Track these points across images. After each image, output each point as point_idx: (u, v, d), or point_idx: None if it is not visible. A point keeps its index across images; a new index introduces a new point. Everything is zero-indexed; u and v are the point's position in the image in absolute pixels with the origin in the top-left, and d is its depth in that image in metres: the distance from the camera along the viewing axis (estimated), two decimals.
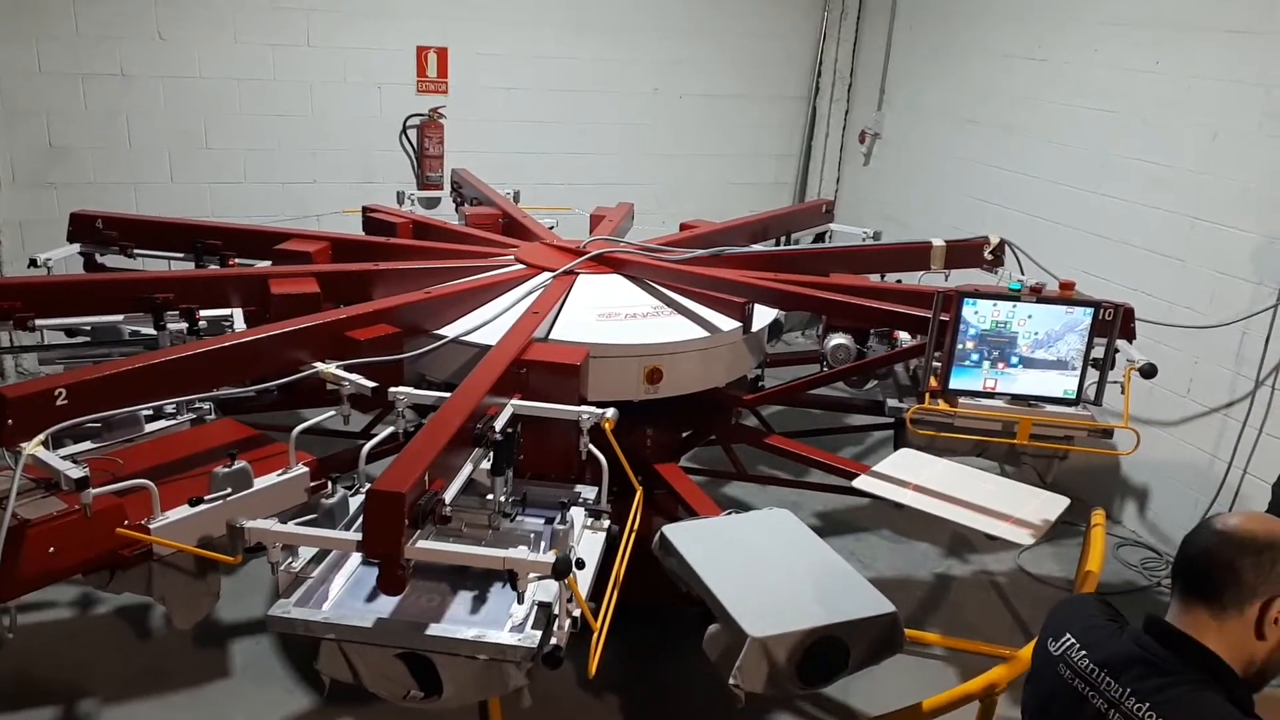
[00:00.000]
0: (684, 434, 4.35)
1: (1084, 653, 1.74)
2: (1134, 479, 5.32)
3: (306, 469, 3.00)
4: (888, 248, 5.19)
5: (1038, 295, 3.62)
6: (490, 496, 2.79)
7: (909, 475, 3.50)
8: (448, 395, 2.91)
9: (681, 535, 2.95)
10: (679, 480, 3.75)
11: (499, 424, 2.86)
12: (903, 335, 4.21)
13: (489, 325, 3.69)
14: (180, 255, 4.42)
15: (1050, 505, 3.34)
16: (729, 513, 3.29)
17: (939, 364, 3.67)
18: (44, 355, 3.67)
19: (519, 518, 2.93)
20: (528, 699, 2.51)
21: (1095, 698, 1.68)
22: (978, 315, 3.61)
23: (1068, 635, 1.78)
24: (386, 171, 6.76)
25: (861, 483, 3.56)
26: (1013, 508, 3.27)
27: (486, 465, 2.78)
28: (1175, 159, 4.99)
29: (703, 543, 2.91)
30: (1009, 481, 3.59)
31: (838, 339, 4.18)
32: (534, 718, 3.47)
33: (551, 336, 3.61)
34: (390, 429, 3.10)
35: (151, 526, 2.61)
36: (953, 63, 6.79)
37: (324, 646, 2.48)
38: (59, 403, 2.64)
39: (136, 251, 4.40)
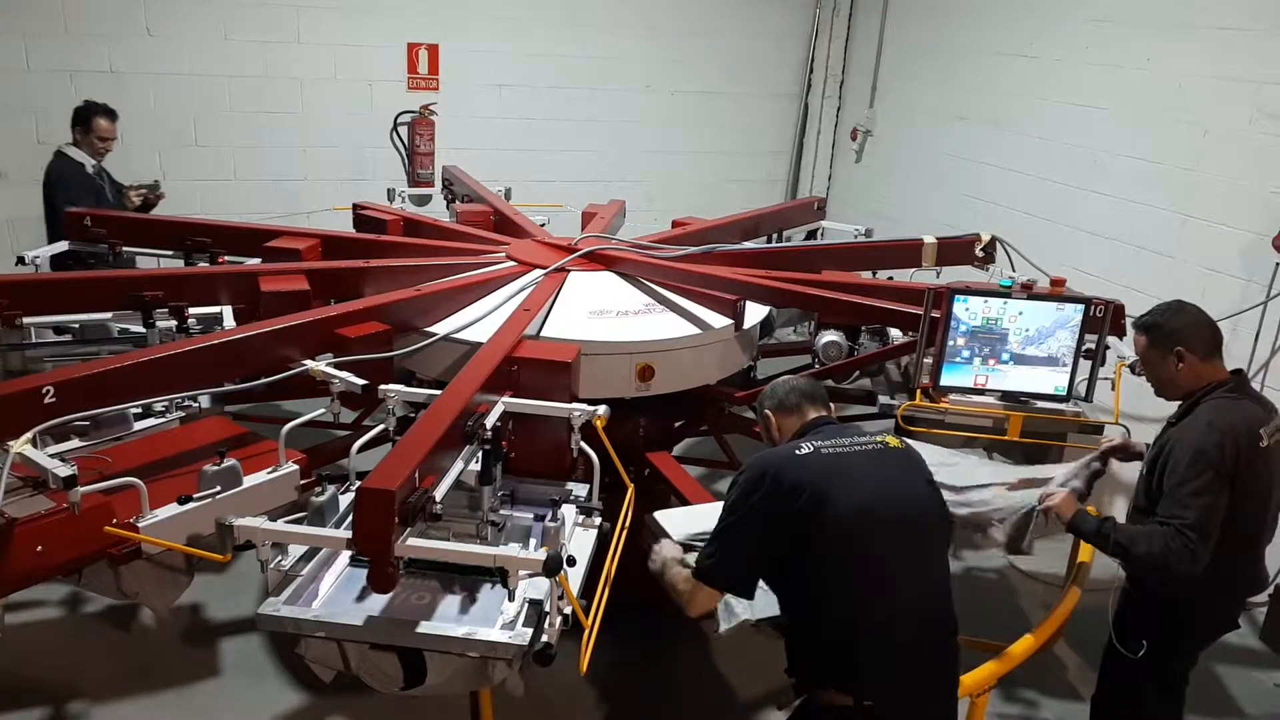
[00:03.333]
0: (676, 424, 4.35)
1: (822, 443, 2.38)
2: (1124, 475, 5.32)
3: (296, 467, 2.98)
4: (879, 245, 5.20)
5: (1028, 292, 3.63)
6: (478, 501, 2.79)
7: None
8: (438, 393, 2.91)
9: (671, 520, 2.94)
10: (671, 469, 3.75)
11: (490, 421, 2.86)
12: (894, 332, 4.22)
13: (480, 323, 3.68)
14: (169, 253, 4.40)
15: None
16: None
17: (931, 361, 3.67)
18: (32, 353, 3.65)
19: (509, 517, 2.91)
20: (519, 687, 2.51)
21: (853, 447, 2.40)
22: (969, 312, 3.61)
23: (803, 444, 2.38)
24: (377, 169, 6.74)
25: None
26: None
27: (476, 466, 2.77)
28: (1165, 156, 5.01)
29: (693, 527, 2.90)
30: (1005, 467, 3.59)
31: (829, 336, 4.17)
32: (525, 714, 3.48)
33: (543, 334, 3.60)
34: (380, 426, 3.09)
35: (140, 525, 2.60)
36: (944, 60, 6.80)
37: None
38: (47, 400, 2.63)
39: (125, 249, 4.38)
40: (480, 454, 2.77)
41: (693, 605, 2.43)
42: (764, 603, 2.55)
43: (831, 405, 2.63)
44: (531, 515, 2.97)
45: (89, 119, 5.27)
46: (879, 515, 2.27)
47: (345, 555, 2.71)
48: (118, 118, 5.35)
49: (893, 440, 2.47)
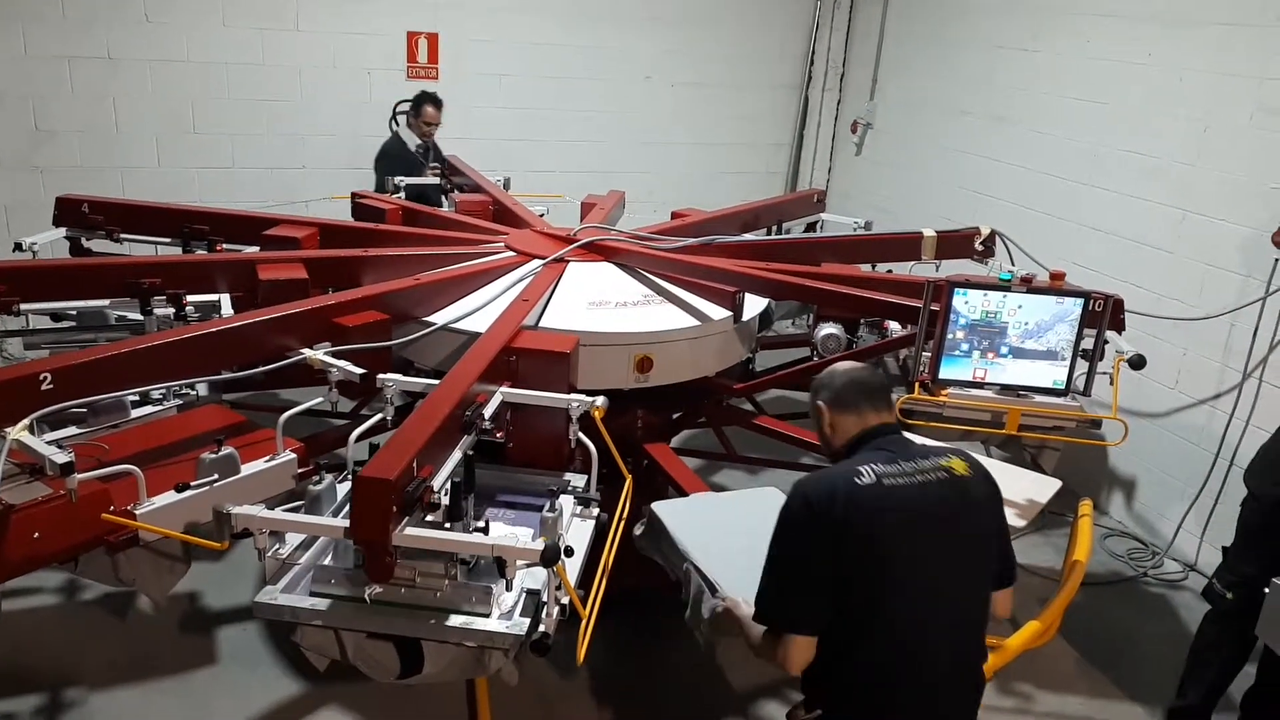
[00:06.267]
0: (674, 415, 4.35)
1: (885, 468, 2.14)
2: (1122, 470, 5.34)
3: (294, 455, 2.98)
4: (879, 238, 5.19)
5: (1028, 286, 3.63)
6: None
7: None
8: (436, 382, 2.90)
9: (669, 511, 2.94)
10: (669, 460, 3.75)
11: (488, 411, 2.85)
12: (893, 325, 4.21)
13: (478, 312, 3.67)
14: (167, 240, 4.39)
15: (1041, 488, 3.34)
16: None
17: (929, 354, 3.67)
18: (29, 340, 3.64)
19: (479, 567, 2.57)
20: (514, 676, 2.51)
21: (917, 477, 2.16)
22: (968, 305, 3.60)
23: (863, 468, 2.14)
24: None
25: None
26: (1003, 490, 3.26)
27: (446, 499, 2.62)
28: (1166, 151, 5.00)
29: (691, 520, 2.90)
30: (1000, 464, 3.59)
31: (828, 328, 4.17)
32: (521, 703, 3.49)
33: (541, 324, 3.60)
34: (379, 415, 3.09)
35: (137, 512, 2.60)
36: (945, 53, 6.78)
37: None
38: (44, 387, 2.62)
39: (123, 236, 4.37)
40: (449, 487, 2.62)
41: (793, 662, 2.13)
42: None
43: (894, 400, 2.35)
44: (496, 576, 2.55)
45: (420, 105, 6.20)
46: (935, 562, 2.13)
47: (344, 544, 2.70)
48: (443, 105, 6.25)
49: (958, 465, 2.23)
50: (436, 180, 5.95)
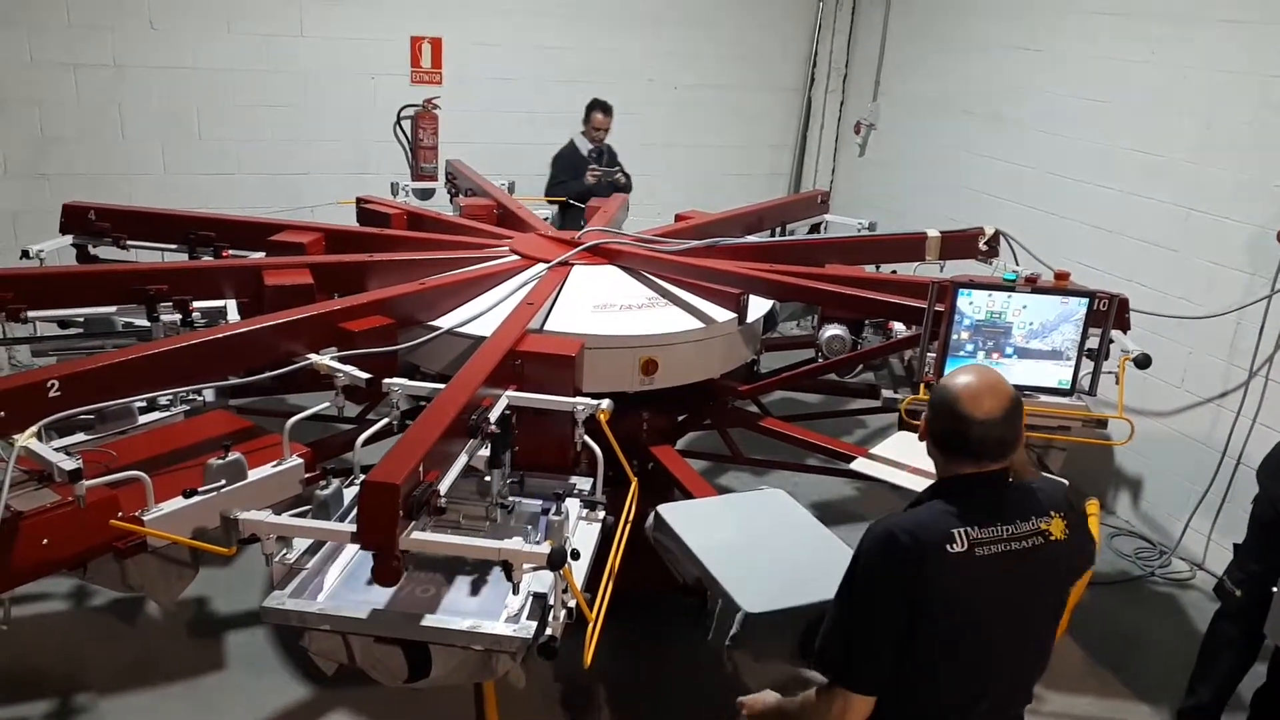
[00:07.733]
0: (680, 418, 4.36)
1: (980, 533, 1.95)
2: (1128, 469, 5.33)
3: (301, 461, 2.99)
4: (883, 239, 5.19)
5: (1033, 285, 3.63)
6: (488, 486, 2.83)
7: (906, 457, 3.50)
8: (442, 387, 2.91)
9: (676, 514, 2.94)
10: (674, 462, 3.75)
11: (494, 415, 2.86)
12: (898, 326, 4.21)
13: (484, 316, 3.68)
14: (173, 247, 4.40)
15: None
16: None
17: (934, 355, 3.67)
18: (37, 347, 3.66)
19: (517, 502, 2.96)
20: (521, 679, 2.52)
21: (1013, 545, 1.98)
22: (973, 306, 3.60)
23: (957, 531, 1.94)
24: (380, 162, 6.73)
25: (859, 465, 3.57)
26: None
27: (485, 452, 2.80)
28: (1170, 149, 4.99)
29: (697, 521, 2.91)
30: None
31: (833, 330, 4.17)
32: (529, 707, 3.49)
33: (546, 328, 3.60)
34: (385, 420, 3.09)
35: (145, 518, 2.61)
36: (948, 54, 6.78)
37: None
38: (52, 394, 2.64)
39: (129, 243, 4.39)
40: (490, 439, 2.79)
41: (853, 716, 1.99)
42: (766, 596, 2.53)
43: (1021, 438, 2.03)
44: (539, 504, 3.02)
45: (589, 113, 6.50)
46: (1007, 635, 2.02)
47: (350, 548, 2.72)
48: (612, 112, 6.48)
49: (1057, 527, 2.04)
50: (593, 181, 6.32)
